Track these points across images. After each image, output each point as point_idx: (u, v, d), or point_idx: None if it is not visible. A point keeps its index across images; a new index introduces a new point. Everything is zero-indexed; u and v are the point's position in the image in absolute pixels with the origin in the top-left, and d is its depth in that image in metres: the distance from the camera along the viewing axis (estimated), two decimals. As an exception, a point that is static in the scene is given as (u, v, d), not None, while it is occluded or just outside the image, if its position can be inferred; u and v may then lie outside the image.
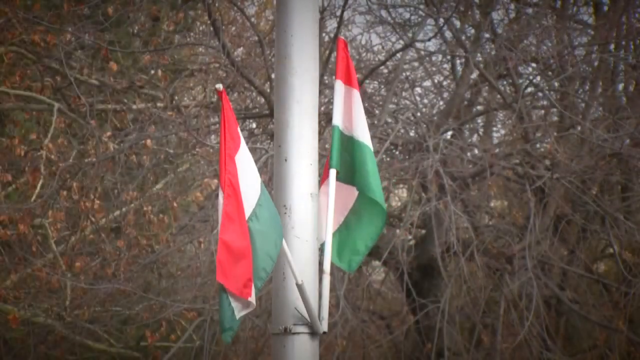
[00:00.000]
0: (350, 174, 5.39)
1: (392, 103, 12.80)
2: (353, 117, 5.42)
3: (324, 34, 12.30)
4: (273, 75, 10.96)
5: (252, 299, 4.73)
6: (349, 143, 5.41)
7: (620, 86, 13.71)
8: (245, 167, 4.79)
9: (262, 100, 12.35)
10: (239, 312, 4.72)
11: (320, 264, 5.15)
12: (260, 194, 4.82)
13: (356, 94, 5.44)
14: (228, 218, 4.65)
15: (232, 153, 4.72)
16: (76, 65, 12.43)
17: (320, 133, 11.31)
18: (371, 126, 12.24)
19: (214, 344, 11.61)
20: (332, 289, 11.07)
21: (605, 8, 13.68)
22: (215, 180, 12.02)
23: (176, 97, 13.28)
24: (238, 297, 4.68)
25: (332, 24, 13.32)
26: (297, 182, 5.10)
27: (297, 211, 5.05)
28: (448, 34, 12.98)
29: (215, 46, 12.06)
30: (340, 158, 5.36)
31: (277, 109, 5.19)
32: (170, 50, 12.75)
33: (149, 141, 11.97)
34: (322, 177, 5.34)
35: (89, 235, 12.29)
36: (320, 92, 10.86)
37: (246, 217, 4.72)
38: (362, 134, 5.40)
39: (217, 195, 5.55)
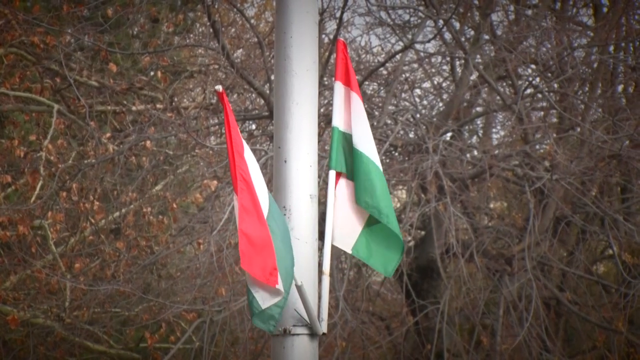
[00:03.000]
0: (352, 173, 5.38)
1: (391, 104, 12.79)
2: (352, 122, 5.42)
3: (323, 36, 12.30)
4: (272, 77, 10.98)
5: (280, 287, 4.72)
6: (350, 144, 5.40)
7: (620, 87, 13.71)
8: (254, 170, 4.82)
9: (262, 101, 12.35)
10: (265, 302, 4.73)
11: (320, 265, 5.15)
12: (268, 204, 4.84)
13: (355, 97, 5.43)
14: (245, 210, 4.66)
15: (240, 150, 4.74)
16: (76, 67, 12.42)
17: (320, 134, 11.34)
18: (371, 127, 12.23)
19: (213, 345, 11.59)
20: (332, 290, 11.08)
21: (605, 9, 13.69)
22: (215, 182, 12.02)
23: (176, 99, 13.28)
24: (264, 284, 4.70)
25: (331, 26, 13.36)
26: (297, 184, 5.10)
27: (297, 213, 5.05)
28: (447, 36, 13.00)
29: (215, 48, 12.05)
30: (342, 158, 5.35)
31: (277, 111, 5.19)
32: (169, 51, 12.75)
33: (148, 142, 11.97)
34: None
35: (88, 236, 12.28)
36: (320, 94, 10.87)
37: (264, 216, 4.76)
38: (364, 144, 5.35)
39: (229, 193, 5.57)
